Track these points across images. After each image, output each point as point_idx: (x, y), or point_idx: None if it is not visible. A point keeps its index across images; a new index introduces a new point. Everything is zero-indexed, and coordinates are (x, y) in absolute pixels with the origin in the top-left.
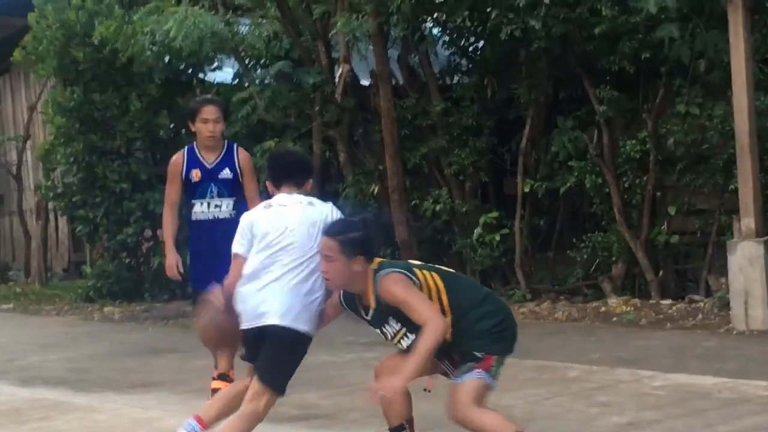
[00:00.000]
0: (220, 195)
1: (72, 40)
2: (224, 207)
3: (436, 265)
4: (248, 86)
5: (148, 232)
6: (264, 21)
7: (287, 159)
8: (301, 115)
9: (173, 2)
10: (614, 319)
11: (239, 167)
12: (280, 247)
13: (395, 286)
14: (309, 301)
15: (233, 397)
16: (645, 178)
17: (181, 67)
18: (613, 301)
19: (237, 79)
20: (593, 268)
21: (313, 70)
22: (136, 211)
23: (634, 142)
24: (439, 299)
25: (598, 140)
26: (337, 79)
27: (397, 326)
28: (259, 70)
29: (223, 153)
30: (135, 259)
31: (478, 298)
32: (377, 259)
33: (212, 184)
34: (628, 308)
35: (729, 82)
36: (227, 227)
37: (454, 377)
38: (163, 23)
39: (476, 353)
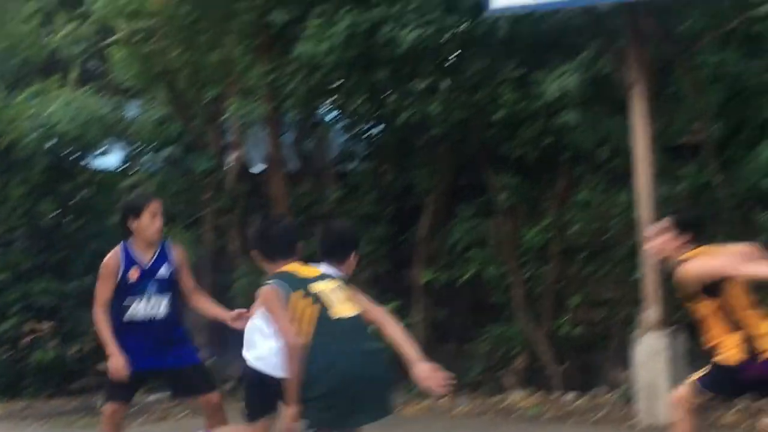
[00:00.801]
0: (159, 292)
1: None
2: (162, 305)
3: (358, 297)
4: (137, 172)
5: (29, 325)
6: (154, 104)
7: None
8: (192, 201)
9: (58, 85)
10: (516, 413)
11: (175, 264)
12: None
13: (262, 300)
14: None
15: None
16: (547, 268)
17: (66, 152)
18: (515, 395)
19: (125, 164)
20: (495, 360)
21: (205, 155)
22: (17, 303)
23: (536, 230)
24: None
25: (500, 228)
26: (229, 165)
27: None
28: (148, 155)
29: (158, 250)
30: (15, 354)
31: (324, 362)
32: (285, 267)
33: (150, 283)
34: (531, 402)
35: (632, 170)
36: (163, 325)
37: None
38: (47, 106)
39: (306, 419)
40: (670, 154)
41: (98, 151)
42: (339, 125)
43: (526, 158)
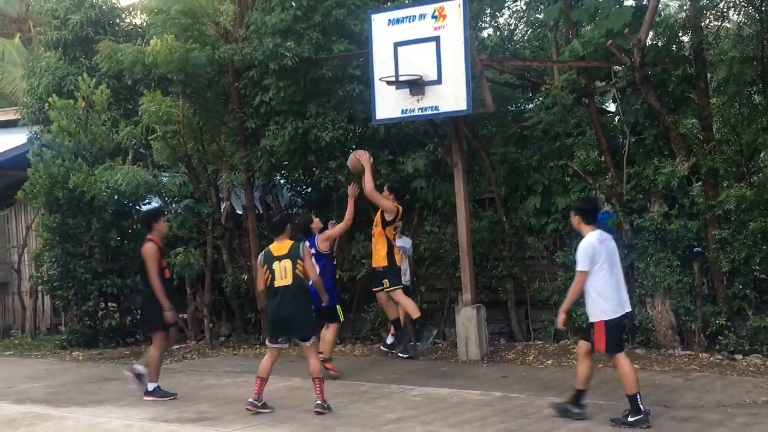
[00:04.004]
0: None
1: (55, 186)
2: None
3: (306, 264)
4: (168, 214)
5: (102, 305)
6: (177, 174)
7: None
8: (199, 231)
9: (120, 163)
10: (390, 354)
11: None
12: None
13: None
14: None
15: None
16: None
17: (125, 202)
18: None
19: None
20: (377, 323)
21: (207, 205)
22: (95, 292)
23: None
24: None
25: None
26: (222, 210)
27: None
28: (174, 204)
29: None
30: (93, 323)
31: (270, 305)
32: (274, 243)
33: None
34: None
35: (455, 213)
36: None
37: None
38: (114, 175)
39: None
40: (477, 204)
41: (144, 202)
42: (286, 187)
43: None
